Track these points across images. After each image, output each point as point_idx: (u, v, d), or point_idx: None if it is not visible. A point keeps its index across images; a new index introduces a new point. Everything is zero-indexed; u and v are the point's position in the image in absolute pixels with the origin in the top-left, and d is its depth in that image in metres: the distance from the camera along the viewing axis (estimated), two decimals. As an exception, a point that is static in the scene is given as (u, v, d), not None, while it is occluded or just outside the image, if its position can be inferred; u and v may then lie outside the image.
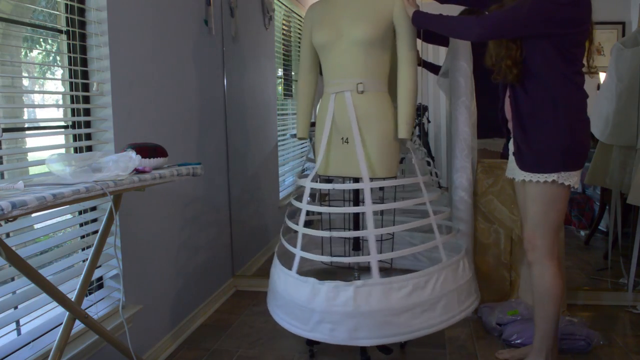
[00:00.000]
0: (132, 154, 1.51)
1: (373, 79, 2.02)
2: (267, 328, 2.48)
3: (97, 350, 1.80)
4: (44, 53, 1.88)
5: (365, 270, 2.14)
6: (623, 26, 3.32)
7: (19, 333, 1.62)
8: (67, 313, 1.52)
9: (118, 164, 1.44)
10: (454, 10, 2.19)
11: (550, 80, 1.78)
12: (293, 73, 4.21)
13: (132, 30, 2.02)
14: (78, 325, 1.68)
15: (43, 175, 1.52)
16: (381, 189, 2.47)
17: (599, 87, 3.13)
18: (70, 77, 1.84)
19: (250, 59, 3.29)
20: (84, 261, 1.82)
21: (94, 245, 1.62)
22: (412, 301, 1.83)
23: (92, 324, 1.60)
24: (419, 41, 2.14)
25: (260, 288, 2.84)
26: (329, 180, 2.34)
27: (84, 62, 1.87)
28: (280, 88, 4.02)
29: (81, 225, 1.87)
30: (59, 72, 1.91)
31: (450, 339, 2.34)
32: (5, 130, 1.56)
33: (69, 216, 1.83)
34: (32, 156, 1.75)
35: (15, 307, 1.57)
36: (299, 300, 1.89)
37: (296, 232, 2.02)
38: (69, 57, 1.83)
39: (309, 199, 2.04)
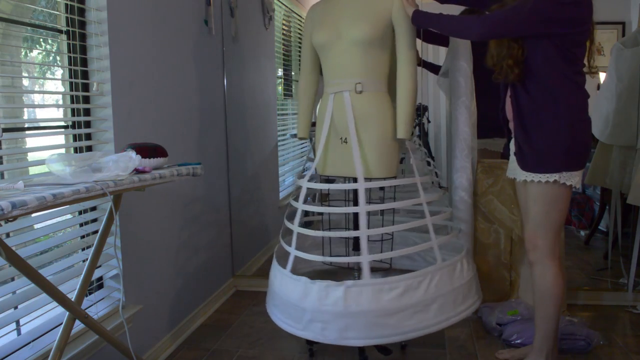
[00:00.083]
0: (132, 154, 1.51)
1: (372, 79, 2.02)
2: (267, 328, 2.48)
3: (97, 350, 1.80)
4: (44, 53, 1.88)
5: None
6: (623, 26, 3.32)
7: (19, 333, 1.62)
8: (67, 313, 1.52)
9: (118, 164, 1.44)
10: (454, 10, 2.18)
11: (551, 80, 1.78)
12: (293, 73, 4.21)
13: (132, 30, 2.02)
14: (78, 325, 1.68)
15: (43, 175, 1.52)
16: (381, 189, 2.46)
17: (599, 87, 3.12)
18: (70, 77, 1.84)
19: (250, 59, 3.29)
20: (84, 261, 1.82)
21: (94, 245, 1.62)
22: (404, 302, 1.81)
23: (92, 324, 1.60)
24: (418, 41, 2.13)
25: (260, 288, 2.83)
26: (330, 180, 2.33)
27: (84, 62, 1.87)
28: (280, 88, 4.02)
29: (81, 225, 1.87)
30: (59, 72, 1.91)
31: (450, 339, 2.34)
32: (5, 130, 1.56)
33: (69, 216, 1.83)
34: (32, 156, 1.75)
35: (15, 307, 1.57)
36: (292, 299, 1.89)
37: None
38: (69, 57, 1.83)
39: (309, 199, 2.04)
